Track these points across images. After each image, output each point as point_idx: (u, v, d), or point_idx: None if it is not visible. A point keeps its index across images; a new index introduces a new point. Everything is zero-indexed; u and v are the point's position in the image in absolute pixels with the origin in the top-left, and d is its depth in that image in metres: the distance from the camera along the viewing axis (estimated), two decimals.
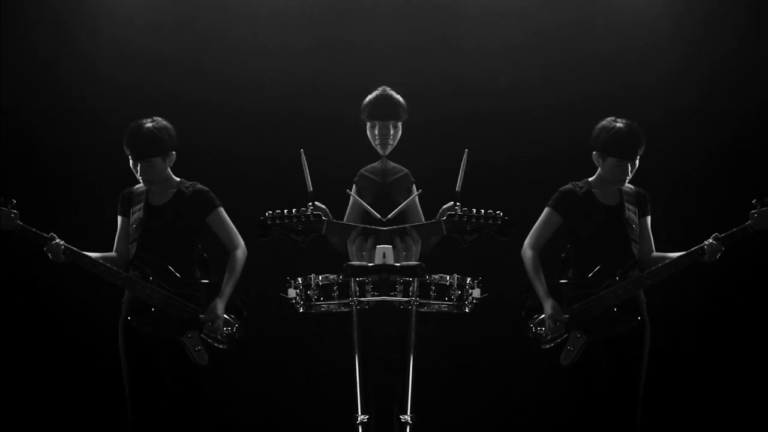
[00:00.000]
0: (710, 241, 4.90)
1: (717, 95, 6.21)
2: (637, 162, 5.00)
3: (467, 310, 4.89)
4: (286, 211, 4.68)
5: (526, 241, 5.15)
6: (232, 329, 5.10)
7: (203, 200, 5.14)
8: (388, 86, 5.17)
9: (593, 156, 5.05)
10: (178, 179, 5.17)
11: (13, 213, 4.96)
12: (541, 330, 5.04)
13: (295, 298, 4.85)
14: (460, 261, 4.98)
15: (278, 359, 6.22)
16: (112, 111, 6.29)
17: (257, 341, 5.66)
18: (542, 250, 5.12)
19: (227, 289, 5.09)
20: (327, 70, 6.33)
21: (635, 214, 5.05)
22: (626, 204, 5.05)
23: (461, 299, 4.88)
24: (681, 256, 4.94)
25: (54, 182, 6.31)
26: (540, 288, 5.07)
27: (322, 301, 4.86)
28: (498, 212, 4.71)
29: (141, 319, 5.01)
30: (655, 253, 5.07)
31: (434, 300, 4.86)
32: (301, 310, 4.85)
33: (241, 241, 5.19)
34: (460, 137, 6.13)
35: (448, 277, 4.87)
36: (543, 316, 5.05)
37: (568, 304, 5.02)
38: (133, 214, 5.12)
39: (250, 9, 6.36)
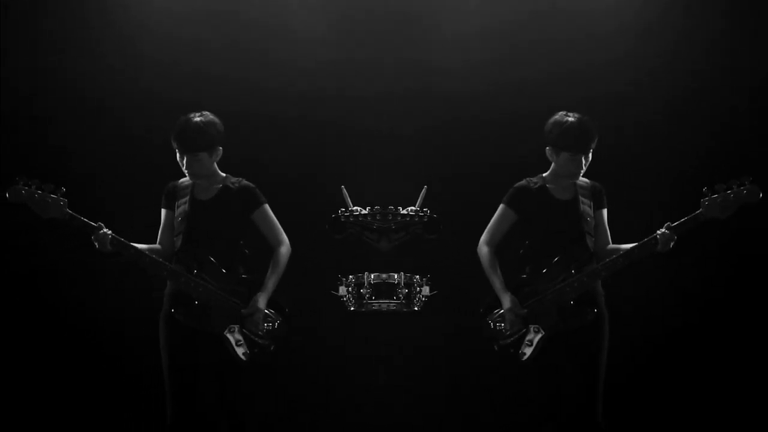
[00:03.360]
0: (663, 230, 4.94)
1: (702, 94, 6.29)
2: (591, 155, 5.06)
3: (417, 309, 4.93)
4: (359, 209, 4.68)
5: (482, 238, 5.19)
6: (274, 325, 5.10)
7: (249, 196, 5.16)
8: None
9: (546, 151, 5.10)
10: (224, 174, 5.18)
11: (62, 201, 4.92)
12: (500, 326, 5.07)
13: (345, 296, 4.87)
14: (410, 258, 5.05)
15: (318, 357, 6.21)
16: (115, 110, 6.27)
17: (299, 338, 5.65)
18: (500, 246, 5.17)
19: (270, 284, 5.11)
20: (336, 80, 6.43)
21: (590, 207, 5.10)
22: (581, 198, 5.10)
23: (410, 298, 4.93)
24: (634, 246, 4.98)
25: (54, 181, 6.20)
26: (497, 283, 5.10)
27: (374, 300, 4.90)
28: (425, 210, 4.75)
29: (185, 311, 5.00)
30: (611, 246, 5.10)
31: (383, 300, 4.93)
32: (351, 309, 4.88)
33: (286, 239, 5.20)
34: (461, 143, 6.29)
35: (395, 276, 4.90)
36: (501, 311, 5.08)
37: (525, 299, 5.05)
38: (178, 207, 5.12)
39: (260, 22, 6.40)
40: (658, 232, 4.92)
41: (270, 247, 5.20)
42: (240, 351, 5.02)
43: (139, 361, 6.06)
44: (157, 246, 5.12)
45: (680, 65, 6.31)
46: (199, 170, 5.09)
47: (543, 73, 6.32)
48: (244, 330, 5.04)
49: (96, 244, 4.95)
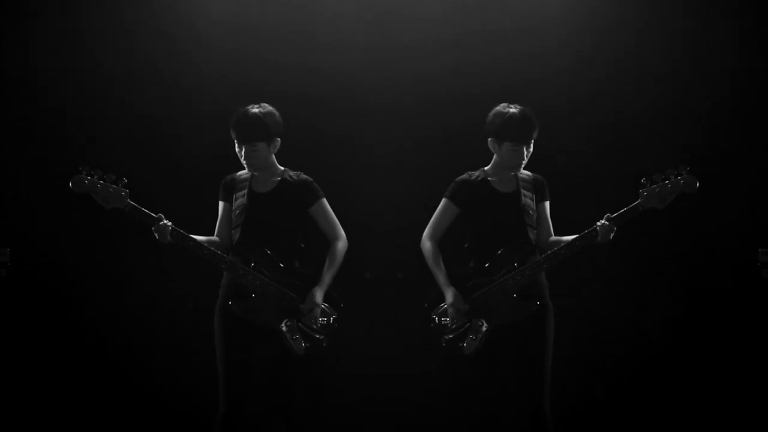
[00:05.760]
0: (602, 221, 4.92)
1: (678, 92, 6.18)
2: (532, 146, 5.06)
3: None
4: None
5: (425, 233, 5.19)
6: (329, 320, 5.11)
7: (307, 190, 5.16)
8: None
9: (489, 143, 5.09)
10: (282, 168, 5.18)
11: (124, 192, 4.93)
12: (445, 320, 5.07)
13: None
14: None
15: (374, 352, 6.21)
16: (122, 107, 6.22)
17: (356, 332, 5.65)
18: (444, 240, 5.16)
19: (326, 278, 5.12)
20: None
21: (532, 200, 5.09)
22: (522, 190, 5.08)
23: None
24: (575, 238, 4.96)
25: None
26: (440, 277, 5.09)
27: None
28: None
29: (242, 304, 5.01)
30: (553, 238, 5.10)
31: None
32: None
33: (343, 233, 5.21)
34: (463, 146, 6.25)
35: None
36: (445, 305, 5.07)
37: (469, 292, 5.04)
38: (236, 200, 5.12)
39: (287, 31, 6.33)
40: (598, 223, 4.93)
41: (327, 242, 5.21)
42: (296, 345, 5.02)
43: (138, 361, 6.14)
44: (215, 238, 5.14)
45: (650, 66, 6.22)
46: (257, 161, 5.08)
47: (517, 76, 6.21)
48: (300, 324, 5.06)
49: (156, 235, 4.95)
